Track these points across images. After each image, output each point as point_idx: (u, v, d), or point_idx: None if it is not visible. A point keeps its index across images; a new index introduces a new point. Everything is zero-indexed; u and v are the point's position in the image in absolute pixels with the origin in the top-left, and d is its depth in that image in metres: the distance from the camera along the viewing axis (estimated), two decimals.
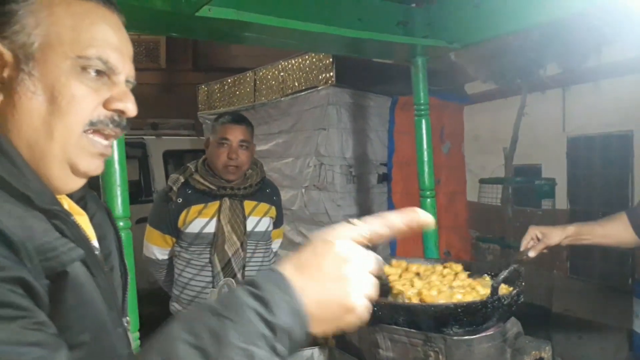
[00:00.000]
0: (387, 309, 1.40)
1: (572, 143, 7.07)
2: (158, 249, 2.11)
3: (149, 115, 5.35)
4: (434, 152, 2.08)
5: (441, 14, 1.92)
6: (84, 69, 0.70)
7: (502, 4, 1.72)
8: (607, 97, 5.79)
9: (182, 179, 2.05)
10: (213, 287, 2.01)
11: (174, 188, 2.04)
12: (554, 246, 1.78)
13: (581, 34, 3.91)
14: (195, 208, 2.03)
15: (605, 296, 5.62)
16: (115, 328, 0.73)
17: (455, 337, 1.34)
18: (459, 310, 1.34)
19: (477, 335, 1.35)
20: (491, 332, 1.37)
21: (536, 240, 1.79)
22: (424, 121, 2.06)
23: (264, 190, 2.19)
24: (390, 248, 3.35)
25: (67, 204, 0.78)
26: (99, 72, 0.71)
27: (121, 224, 1.36)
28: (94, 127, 0.71)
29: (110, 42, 0.73)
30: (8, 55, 0.67)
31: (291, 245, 3.55)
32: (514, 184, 4.54)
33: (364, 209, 3.35)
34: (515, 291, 1.43)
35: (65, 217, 0.70)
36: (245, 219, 2.06)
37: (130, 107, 0.74)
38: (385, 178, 3.38)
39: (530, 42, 3.86)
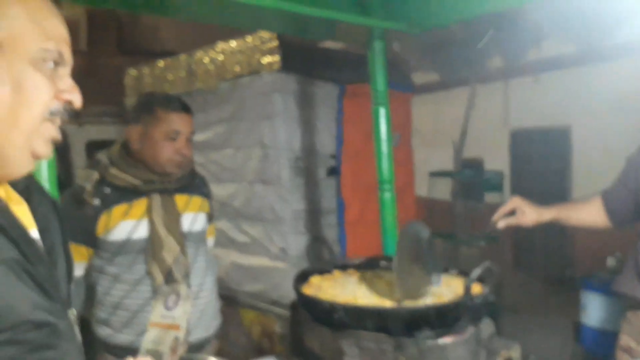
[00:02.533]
0: (354, 313, 1.29)
1: (514, 137, 7.31)
2: None
3: None
4: None
5: None
6: (43, 60, 0.73)
7: None
8: (546, 91, 5.99)
9: (96, 175, 1.69)
10: None
11: (88, 187, 1.66)
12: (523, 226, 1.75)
13: (522, 27, 3.98)
14: (118, 209, 1.67)
15: (547, 289, 5.83)
16: (59, 320, 0.75)
17: (429, 343, 1.23)
18: (431, 312, 1.27)
19: (451, 340, 1.26)
20: (466, 336, 1.28)
21: (512, 213, 1.73)
22: (382, 110, 1.93)
23: (193, 181, 1.87)
24: (340, 245, 3.22)
25: (5, 192, 0.78)
26: (54, 64, 0.75)
27: None
28: (52, 117, 0.76)
29: (63, 35, 0.77)
30: None
31: (233, 245, 3.33)
32: (465, 178, 4.53)
33: (313, 204, 3.17)
34: (486, 290, 1.38)
35: None
36: (180, 216, 1.76)
37: (78, 99, 0.79)
38: (334, 171, 3.23)
39: (475, 33, 3.87)
